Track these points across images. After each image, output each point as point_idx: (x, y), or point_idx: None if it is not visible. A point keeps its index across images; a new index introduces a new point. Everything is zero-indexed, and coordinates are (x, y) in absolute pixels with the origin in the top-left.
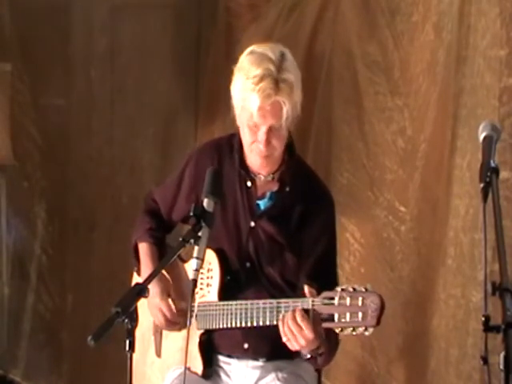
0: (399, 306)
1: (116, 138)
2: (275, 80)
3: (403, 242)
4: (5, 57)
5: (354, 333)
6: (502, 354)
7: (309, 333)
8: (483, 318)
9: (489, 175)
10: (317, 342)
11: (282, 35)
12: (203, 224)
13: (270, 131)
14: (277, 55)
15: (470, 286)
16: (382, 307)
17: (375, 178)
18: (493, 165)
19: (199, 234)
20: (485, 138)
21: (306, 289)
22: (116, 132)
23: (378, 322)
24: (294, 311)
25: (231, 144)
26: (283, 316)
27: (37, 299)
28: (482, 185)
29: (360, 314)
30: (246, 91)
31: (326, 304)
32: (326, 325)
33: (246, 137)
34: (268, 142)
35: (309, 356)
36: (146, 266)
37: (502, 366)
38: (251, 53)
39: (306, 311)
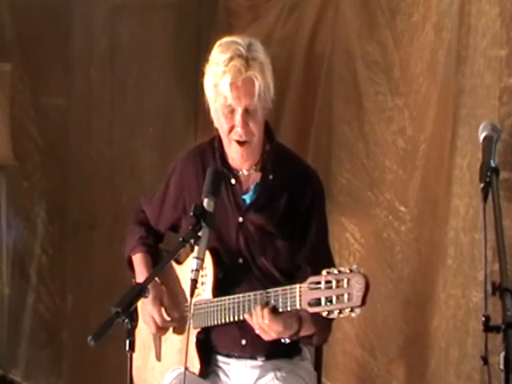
0: (399, 306)
1: (116, 138)
2: (245, 58)
3: (403, 242)
4: (5, 57)
5: (342, 315)
6: (502, 354)
7: (277, 327)
8: (483, 318)
9: (489, 175)
10: (292, 328)
11: (281, 35)
12: (203, 224)
13: (246, 113)
14: (245, 41)
15: (470, 286)
16: (367, 287)
17: (375, 178)
18: (493, 165)
19: (199, 233)
20: (485, 138)
21: None
22: (116, 132)
23: (363, 302)
24: (260, 309)
25: (213, 146)
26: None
27: (37, 299)
28: (482, 185)
29: (346, 296)
30: (218, 76)
31: (312, 289)
32: (313, 309)
33: (223, 126)
34: (245, 124)
35: (288, 341)
36: (141, 275)
37: (502, 366)
38: (220, 45)
39: (272, 308)
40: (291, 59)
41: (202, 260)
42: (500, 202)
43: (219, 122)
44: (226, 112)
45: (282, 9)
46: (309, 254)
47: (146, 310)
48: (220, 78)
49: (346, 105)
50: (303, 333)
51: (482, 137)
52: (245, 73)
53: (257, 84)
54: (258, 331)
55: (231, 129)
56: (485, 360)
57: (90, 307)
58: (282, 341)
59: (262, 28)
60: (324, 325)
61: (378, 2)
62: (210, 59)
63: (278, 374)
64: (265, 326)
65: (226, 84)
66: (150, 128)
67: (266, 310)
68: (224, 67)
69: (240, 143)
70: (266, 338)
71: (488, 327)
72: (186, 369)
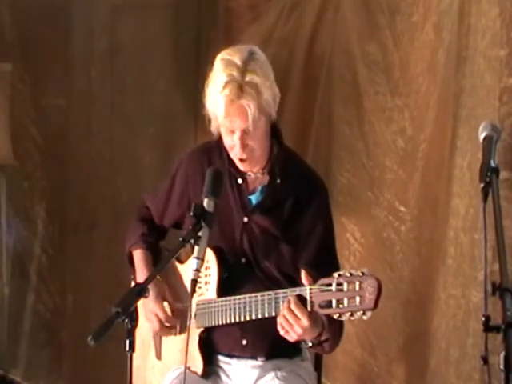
0: (399, 306)
1: (116, 138)
2: (239, 85)
3: (403, 242)
4: (5, 57)
5: (353, 318)
6: (502, 354)
7: (304, 320)
8: (483, 318)
9: (489, 175)
10: (317, 330)
11: (281, 35)
12: (203, 224)
13: (244, 134)
14: (243, 58)
15: (470, 286)
16: (380, 290)
17: (375, 177)
18: (493, 165)
19: (199, 233)
20: (485, 138)
21: (303, 274)
22: (116, 132)
23: (376, 305)
24: (288, 300)
25: (220, 145)
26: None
27: (37, 299)
28: (482, 185)
29: (358, 299)
30: (215, 97)
31: (323, 291)
32: (324, 311)
33: (225, 140)
34: (244, 145)
35: (310, 344)
36: (141, 273)
37: (502, 366)
38: (221, 59)
39: (301, 300)
40: (291, 59)
41: (202, 260)
42: (500, 202)
43: (222, 133)
44: (227, 131)
45: (283, 8)
46: (313, 259)
47: (148, 307)
48: (216, 99)
49: (346, 105)
50: (324, 336)
51: (482, 137)
52: (237, 101)
53: (249, 112)
54: (282, 332)
55: (232, 147)
56: (485, 360)
57: (90, 307)
58: (304, 344)
59: (262, 27)
60: (337, 330)
61: (378, 2)
62: (210, 74)
63: (279, 373)
64: (291, 319)
65: (221, 111)
66: (150, 128)
67: (292, 298)
68: (219, 94)
69: (242, 160)
70: (291, 338)
71: (488, 327)
72: (188, 368)
